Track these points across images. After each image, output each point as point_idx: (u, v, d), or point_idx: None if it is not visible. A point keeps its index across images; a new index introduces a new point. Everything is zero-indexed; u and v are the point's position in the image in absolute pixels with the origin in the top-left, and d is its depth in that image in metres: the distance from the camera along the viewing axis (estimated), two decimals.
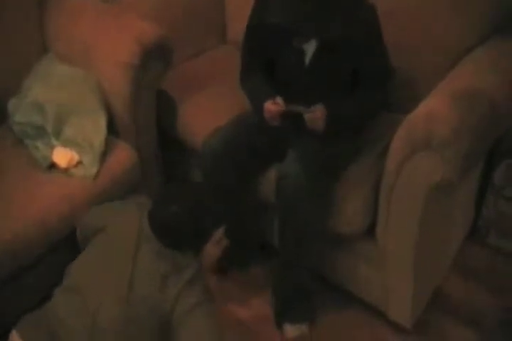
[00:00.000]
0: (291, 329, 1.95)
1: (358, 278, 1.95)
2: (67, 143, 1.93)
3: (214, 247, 1.59)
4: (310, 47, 1.77)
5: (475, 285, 2.09)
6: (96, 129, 1.95)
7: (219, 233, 1.58)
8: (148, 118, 2.13)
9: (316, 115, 1.74)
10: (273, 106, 1.76)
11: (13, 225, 1.75)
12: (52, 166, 1.91)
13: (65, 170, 1.89)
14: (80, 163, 1.91)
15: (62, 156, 1.89)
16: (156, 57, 2.02)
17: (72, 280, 1.57)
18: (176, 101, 2.19)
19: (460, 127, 1.54)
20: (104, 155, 1.94)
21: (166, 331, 1.49)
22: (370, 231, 1.82)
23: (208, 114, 2.11)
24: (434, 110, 1.58)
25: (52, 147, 1.92)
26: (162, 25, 2.08)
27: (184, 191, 1.59)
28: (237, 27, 1.96)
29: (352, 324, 1.99)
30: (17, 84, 2.10)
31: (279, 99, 1.76)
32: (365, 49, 1.76)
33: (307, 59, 1.79)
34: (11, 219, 1.76)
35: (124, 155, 1.99)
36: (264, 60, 1.90)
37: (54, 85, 2.04)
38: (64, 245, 1.87)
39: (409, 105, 1.69)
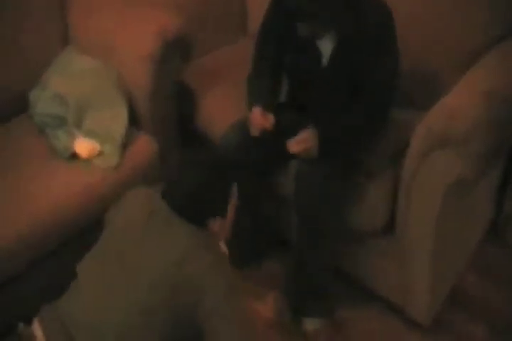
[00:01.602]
0: (308, 323, 1.94)
1: (376, 274, 1.95)
2: (89, 134, 1.94)
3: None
4: (326, 48, 1.74)
5: (492, 283, 2.07)
6: (117, 120, 1.96)
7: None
8: (169, 110, 2.14)
9: (302, 137, 1.71)
10: (260, 118, 1.75)
11: (32, 215, 1.77)
12: (74, 156, 1.92)
13: (86, 161, 1.91)
14: (101, 153, 1.92)
15: (83, 146, 1.90)
16: (176, 49, 2.03)
17: (79, 277, 1.52)
18: (196, 94, 2.19)
19: (479, 125, 1.53)
20: (125, 146, 1.96)
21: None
22: (389, 228, 1.82)
23: (227, 106, 2.11)
24: (453, 108, 1.57)
25: (73, 137, 1.93)
26: (183, 17, 2.08)
27: (197, 161, 1.56)
28: (258, 19, 1.96)
29: (369, 320, 1.98)
30: (38, 75, 2.11)
31: (270, 117, 1.75)
32: (370, 55, 1.70)
33: (324, 60, 1.77)
34: (30, 209, 1.77)
35: (144, 146, 2.00)
36: (276, 62, 1.87)
37: (75, 77, 2.06)
38: (82, 236, 1.87)
39: (427, 102, 1.69)
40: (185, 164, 1.56)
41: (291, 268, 1.97)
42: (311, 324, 1.94)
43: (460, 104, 1.58)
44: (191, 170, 1.50)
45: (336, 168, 1.76)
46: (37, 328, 1.44)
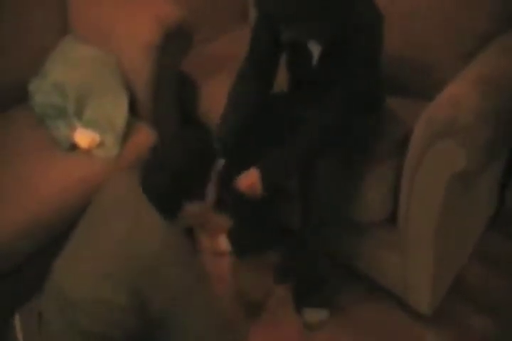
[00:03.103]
0: (310, 315, 1.95)
1: (378, 264, 1.95)
2: (89, 124, 1.92)
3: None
4: (315, 49, 1.74)
5: (495, 273, 2.07)
6: (117, 110, 1.95)
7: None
8: (169, 99, 2.12)
9: (247, 181, 1.71)
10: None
11: (32, 206, 1.76)
12: (74, 147, 1.91)
13: (87, 151, 1.89)
14: (101, 143, 1.91)
15: (83, 137, 1.89)
16: (176, 38, 2.01)
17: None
18: (197, 83, 2.18)
19: (484, 114, 1.52)
20: (125, 135, 1.94)
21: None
22: (392, 218, 1.81)
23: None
24: (457, 96, 1.56)
25: (73, 128, 1.92)
26: (183, 5, 2.06)
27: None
28: None
29: (372, 311, 1.98)
30: (38, 65, 2.10)
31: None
32: (350, 57, 1.67)
33: (314, 60, 1.77)
34: (30, 200, 1.77)
35: (145, 136, 1.99)
36: (270, 59, 1.86)
37: (75, 66, 2.04)
38: None
39: (431, 92, 1.68)
40: (174, 142, 1.50)
41: (292, 257, 1.96)
42: (311, 316, 1.95)
43: (463, 93, 1.57)
44: (178, 148, 1.44)
45: (339, 158, 1.75)
46: (16, 319, 1.44)
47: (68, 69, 2.02)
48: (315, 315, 1.95)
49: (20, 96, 2.08)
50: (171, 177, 1.39)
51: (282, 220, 2.11)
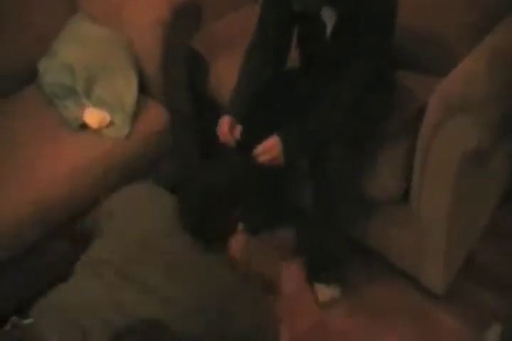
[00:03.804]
0: (322, 291, 1.95)
1: (391, 243, 1.94)
2: (99, 104, 1.92)
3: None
4: (330, 20, 1.71)
5: (507, 252, 2.05)
6: (127, 89, 1.94)
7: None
8: (180, 76, 2.10)
9: (267, 145, 1.68)
10: (226, 130, 1.74)
11: (43, 187, 1.76)
12: (83, 127, 1.90)
13: (97, 131, 1.89)
14: (111, 123, 1.90)
15: (93, 117, 1.88)
16: (186, 15, 1.99)
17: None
18: (207, 60, 2.17)
19: (497, 90, 1.50)
20: (135, 115, 1.94)
21: None
22: (405, 196, 1.79)
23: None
24: (471, 72, 1.54)
25: (83, 107, 1.91)
26: None
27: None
28: None
29: (384, 290, 1.98)
30: (47, 44, 2.09)
31: (237, 130, 1.74)
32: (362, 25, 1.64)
33: (328, 30, 1.73)
34: (41, 180, 1.77)
35: (155, 114, 1.99)
36: (280, 34, 1.83)
37: (84, 45, 2.03)
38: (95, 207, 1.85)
39: (444, 67, 1.65)
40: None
41: (305, 236, 1.96)
42: (324, 292, 1.95)
43: (477, 69, 1.55)
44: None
45: (350, 136, 1.72)
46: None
47: (77, 48, 2.01)
48: (327, 291, 1.95)
49: (30, 77, 2.07)
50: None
51: (294, 198, 2.10)
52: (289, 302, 1.95)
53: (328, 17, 1.71)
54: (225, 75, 2.11)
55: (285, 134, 1.69)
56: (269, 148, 1.68)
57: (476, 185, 1.83)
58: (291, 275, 1.88)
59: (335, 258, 1.93)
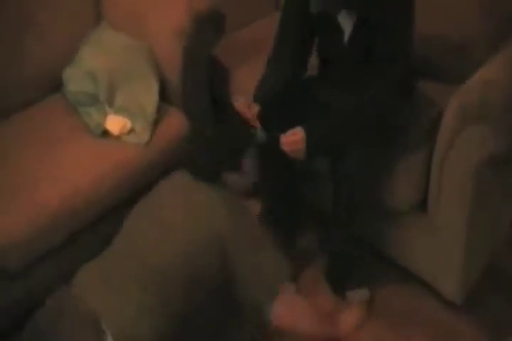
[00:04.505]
0: (352, 297, 1.94)
1: (409, 251, 1.92)
2: (120, 111, 1.95)
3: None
4: (347, 25, 1.72)
5: None
6: (148, 96, 1.97)
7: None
8: (200, 85, 2.13)
9: (292, 137, 1.68)
10: (243, 108, 1.76)
11: (64, 191, 1.79)
12: (105, 133, 1.93)
13: (118, 138, 1.92)
14: (132, 130, 1.93)
15: (114, 123, 1.91)
16: (208, 23, 2.02)
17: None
18: (228, 69, 2.18)
19: None
20: (156, 122, 1.96)
21: None
22: (423, 205, 1.79)
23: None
24: (489, 81, 1.54)
25: (105, 114, 1.94)
26: None
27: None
28: None
29: (404, 299, 1.96)
30: (72, 53, 2.12)
31: (254, 107, 1.75)
32: (382, 31, 1.66)
33: (346, 36, 1.75)
34: (63, 185, 1.80)
35: (176, 122, 2.01)
36: (300, 40, 1.85)
37: (106, 53, 2.06)
38: (115, 213, 1.89)
39: (462, 75, 1.65)
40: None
41: (327, 240, 1.96)
42: (353, 297, 1.94)
43: (496, 77, 1.54)
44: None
45: (373, 145, 1.73)
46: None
47: (100, 56, 2.05)
48: (356, 296, 1.94)
49: (54, 85, 2.11)
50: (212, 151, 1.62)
51: (315, 202, 2.10)
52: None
53: (346, 23, 1.72)
54: (245, 84, 2.12)
55: (310, 127, 1.69)
56: (292, 135, 1.68)
57: (494, 193, 1.81)
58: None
59: (355, 262, 1.92)
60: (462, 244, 1.75)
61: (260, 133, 1.73)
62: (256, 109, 1.77)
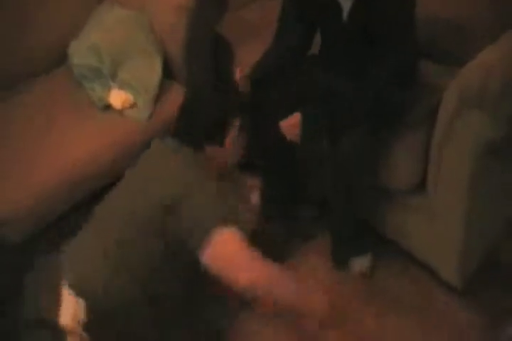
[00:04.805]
0: (356, 264, 1.96)
1: (409, 232, 1.93)
2: (123, 86, 1.97)
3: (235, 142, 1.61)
4: (346, 3, 1.73)
5: None
6: (151, 72, 1.99)
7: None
8: (204, 61, 2.14)
9: (290, 121, 1.74)
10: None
11: (65, 164, 1.82)
12: (108, 107, 1.96)
13: (120, 112, 1.94)
14: (134, 105, 1.95)
15: (117, 98, 1.94)
16: (211, 0, 2.02)
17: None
18: (232, 46, 2.18)
19: None
20: (158, 97, 1.98)
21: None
22: (422, 185, 1.79)
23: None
24: (490, 64, 1.53)
25: (108, 89, 1.97)
26: None
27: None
28: None
29: (405, 282, 1.97)
30: (78, 28, 2.15)
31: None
32: (385, 10, 1.67)
33: (344, 15, 1.75)
34: (63, 157, 1.83)
35: (178, 98, 1.98)
36: (302, 17, 1.86)
37: (111, 29, 2.08)
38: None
39: (467, 59, 1.63)
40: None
41: (330, 217, 1.98)
42: (358, 264, 1.96)
43: (497, 60, 1.54)
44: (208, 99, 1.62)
45: (369, 124, 1.74)
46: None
47: (105, 32, 2.07)
48: (361, 263, 1.96)
49: (61, 60, 2.14)
50: (196, 118, 1.58)
51: (313, 186, 2.11)
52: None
53: (346, 1, 1.72)
54: (249, 61, 2.13)
55: (307, 111, 1.73)
56: (290, 122, 1.74)
57: (495, 178, 1.81)
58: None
59: (358, 230, 1.94)
60: (461, 226, 1.75)
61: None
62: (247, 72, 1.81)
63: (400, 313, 1.88)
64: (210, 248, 1.36)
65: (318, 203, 2.12)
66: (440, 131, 1.64)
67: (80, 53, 2.04)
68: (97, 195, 1.88)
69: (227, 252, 1.39)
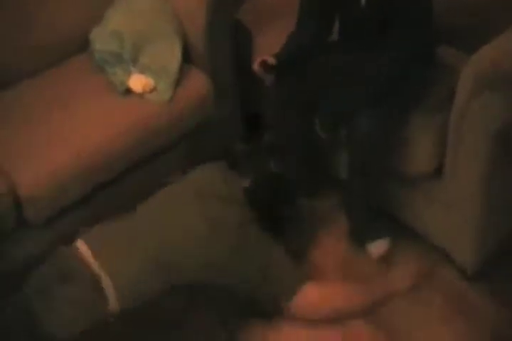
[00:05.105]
0: (375, 248, 1.95)
1: (425, 219, 1.93)
2: (144, 70, 1.99)
3: None
4: None
5: None
6: (171, 56, 2.00)
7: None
8: (224, 46, 2.15)
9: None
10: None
11: (85, 147, 1.85)
12: (129, 91, 1.98)
13: (141, 96, 1.97)
14: (154, 88, 1.97)
15: (138, 82, 1.96)
16: None
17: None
18: (252, 32, 2.19)
19: None
20: (178, 82, 2.00)
21: None
22: (439, 171, 1.80)
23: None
24: (505, 47, 1.53)
25: (129, 73, 1.99)
26: None
27: None
28: None
29: (415, 264, 1.94)
30: (100, 14, 2.17)
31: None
32: None
33: (363, 0, 1.76)
34: (83, 140, 1.86)
35: (198, 82, 2.04)
36: (323, 5, 1.88)
37: (132, 14, 2.11)
38: (137, 168, 1.96)
39: (476, 43, 1.63)
40: None
41: (346, 201, 2.00)
42: (376, 247, 1.95)
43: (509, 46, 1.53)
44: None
45: (388, 109, 1.75)
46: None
47: (126, 17, 2.09)
48: (379, 246, 1.95)
49: (82, 46, 2.16)
50: None
51: (331, 170, 2.12)
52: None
53: None
54: (269, 47, 2.13)
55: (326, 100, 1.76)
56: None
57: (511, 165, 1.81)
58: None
59: (375, 213, 1.94)
60: (476, 211, 1.75)
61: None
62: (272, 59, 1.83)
63: (410, 294, 1.87)
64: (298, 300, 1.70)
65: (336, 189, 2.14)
66: (457, 112, 1.64)
67: (101, 39, 2.06)
68: (117, 178, 1.94)
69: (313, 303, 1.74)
